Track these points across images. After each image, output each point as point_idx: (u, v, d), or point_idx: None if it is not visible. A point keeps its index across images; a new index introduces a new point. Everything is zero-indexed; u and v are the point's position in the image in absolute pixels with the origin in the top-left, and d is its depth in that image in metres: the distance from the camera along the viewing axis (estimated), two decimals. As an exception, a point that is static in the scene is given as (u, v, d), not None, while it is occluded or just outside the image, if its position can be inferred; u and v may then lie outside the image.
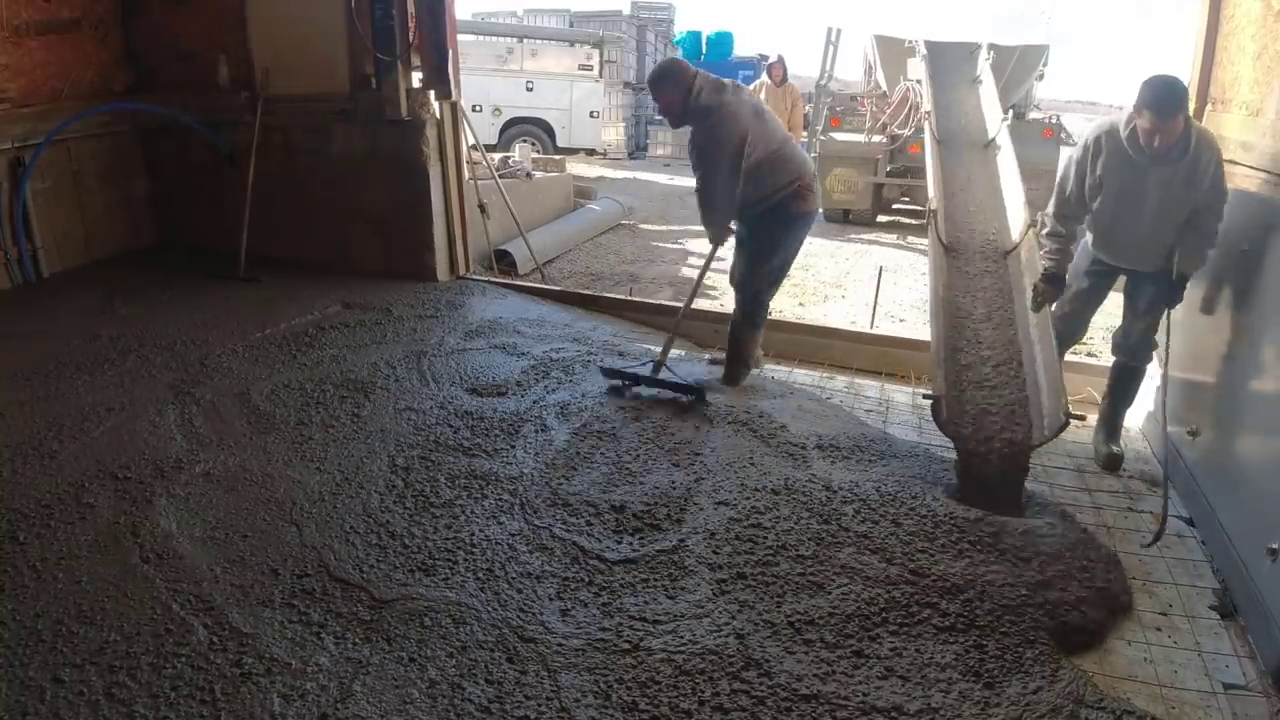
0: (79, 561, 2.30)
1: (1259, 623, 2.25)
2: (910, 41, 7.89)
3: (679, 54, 20.77)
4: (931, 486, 2.81)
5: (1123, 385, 3.27)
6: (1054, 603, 2.27)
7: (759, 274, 3.53)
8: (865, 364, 4.21)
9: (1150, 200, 2.84)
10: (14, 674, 1.91)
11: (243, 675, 1.94)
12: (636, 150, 17.65)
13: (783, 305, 5.98)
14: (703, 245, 8.81)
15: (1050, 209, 3.16)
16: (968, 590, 2.28)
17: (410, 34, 4.56)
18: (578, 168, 12.67)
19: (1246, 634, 2.30)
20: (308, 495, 2.67)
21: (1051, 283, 3.11)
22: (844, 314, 6.08)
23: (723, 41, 20.08)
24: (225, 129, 5.01)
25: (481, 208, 5.66)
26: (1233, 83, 3.08)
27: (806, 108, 10.66)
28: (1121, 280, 3.19)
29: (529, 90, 14.16)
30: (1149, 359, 3.18)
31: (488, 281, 5.14)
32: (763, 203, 3.35)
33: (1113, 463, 3.19)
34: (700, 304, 6.34)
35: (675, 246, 8.39)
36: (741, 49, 20.16)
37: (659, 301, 5.24)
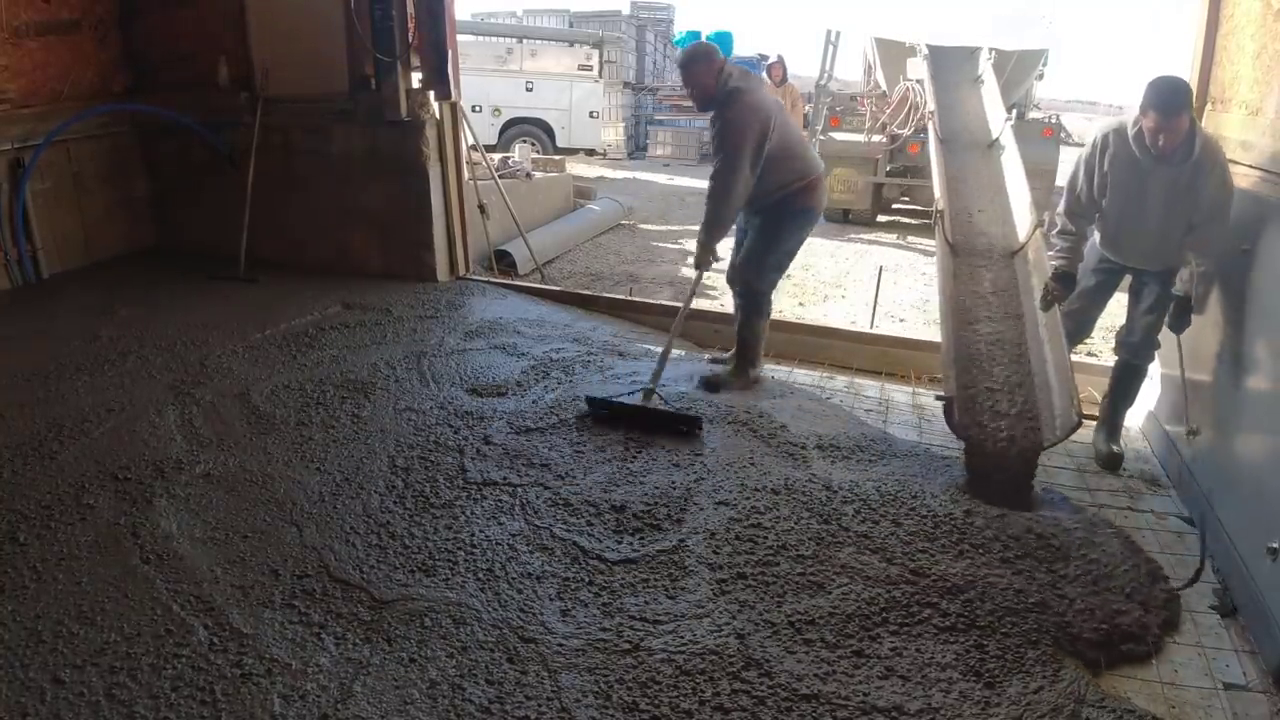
0: (79, 562, 2.30)
1: (1259, 622, 2.25)
2: (911, 43, 7.90)
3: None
4: (929, 483, 2.81)
5: (1124, 384, 3.27)
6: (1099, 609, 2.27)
7: (763, 263, 3.55)
8: (865, 364, 4.21)
9: (1154, 200, 2.85)
10: (14, 675, 1.91)
11: (243, 676, 1.94)
12: (636, 150, 17.66)
13: (783, 305, 5.99)
14: (702, 245, 8.84)
15: (1060, 208, 3.17)
16: (968, 590, 2.28)
17: (410, 34, 4.55)
18: (577, 168, 12.68)
19: (1247, 633, 2.30)
20: (308, 496, 2.67)
21: (1062, 281, 3.10)
22: (844, 314, 6.09)
23: (722, 41, 20.06)
24: (225, 130, 5.01)
25: (481, 208, 5.66)
26: (1232, 82, 3.08)
27: (806, 107, 10.67)
28: (1127, 280, 3.19)
29: (528, 90, 14.16)
30: (1151, 358, 3.18)
31: (487, 282, 5.14)
32: (779, 192, 3.42)
33: (1113, 462, 3.19)
34: (700, 304, 6.34)
35: (675, 246, 8.39)
36: (741, 49, 20.17)
37: (659, 302, 5.24)
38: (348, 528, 2.52)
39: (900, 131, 8.32)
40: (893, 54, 8.66)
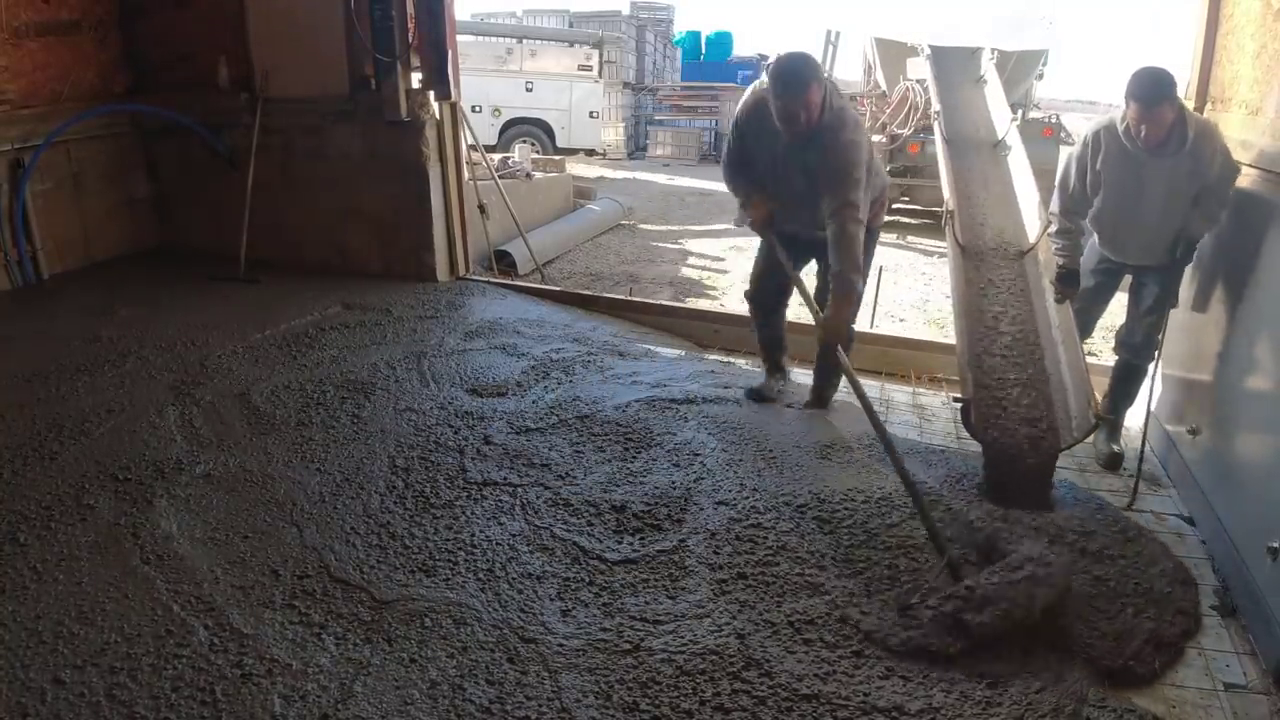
0: (79, 563, 2.30)
1: (1259, 622, 2.25)
2: (912, 43, 7.90)
3: (679, 55, 20.81)
4: (929, 482, 2.81)
5: (1125, 384, 3.27)
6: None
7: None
8: (865, 364, 4.20)
9: (1151, 193, 2.85)
10: (14, 675, 1.91)
11: (243, 676, 1.94)
12: (636, 150, 17.67)
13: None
14: (702, 246, 8.86)
15: (1054, 207, 3.17)
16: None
17: (410, 35, 4.55)
18: (577, 168, 12.69)
19: (1247, 633, 2.30)
20: (308, 496, 2.67)
21: (1066, 279, 3.10)
22: (844, 314, 6.06)
23: (722, 42, 20.11)
24: (225, 130, 5.01)
25: (481, 208, 5.66)
26: (1232, 81, 3.07)
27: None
28: (1127, 280, 3.20)
29: (528, 91, 14.17)
30: (1151, 358, 3.18)
31: (487, 282, 5.14)
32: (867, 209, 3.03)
33: (1114, 462, 3.19)
34: (700, 304, 6.35)
35: (675, 247, 8.39)
36: (741, 49, 20.20)
37: (659, 302, 5.24)
38: (348, 528, 2.52)
39: (900, 131, 8.33)
40: (892, 54, 8.67)
